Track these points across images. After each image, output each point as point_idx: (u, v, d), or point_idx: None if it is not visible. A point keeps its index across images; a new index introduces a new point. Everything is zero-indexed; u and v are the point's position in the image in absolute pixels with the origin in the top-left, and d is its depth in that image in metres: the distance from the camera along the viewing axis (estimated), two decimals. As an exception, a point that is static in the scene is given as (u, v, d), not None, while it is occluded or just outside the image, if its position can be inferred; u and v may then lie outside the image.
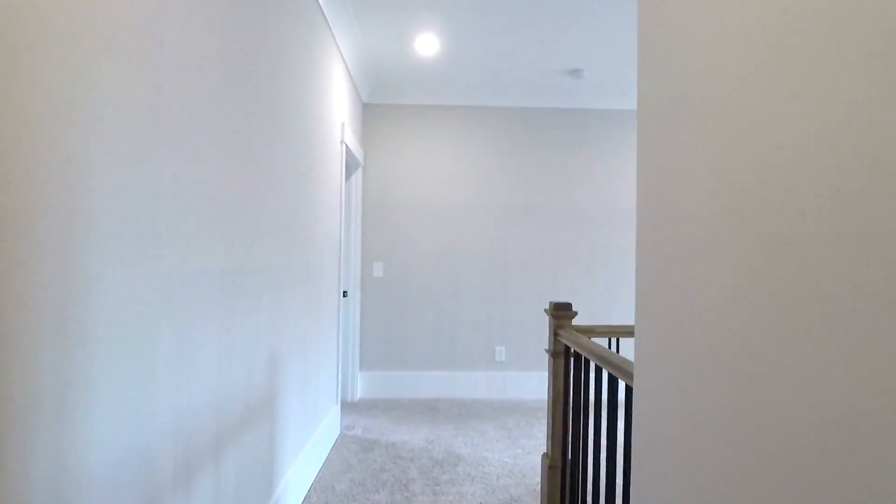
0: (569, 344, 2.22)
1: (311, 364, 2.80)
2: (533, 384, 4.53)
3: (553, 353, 2.39)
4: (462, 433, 3.64)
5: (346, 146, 3.67)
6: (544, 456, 2.48)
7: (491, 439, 3.53)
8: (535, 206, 4.57)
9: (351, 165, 4.32)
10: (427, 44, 3.55)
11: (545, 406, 4.29)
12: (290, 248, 2.40)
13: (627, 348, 4.52)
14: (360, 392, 4.47)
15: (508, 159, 4.57)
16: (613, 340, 4.46)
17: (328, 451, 3.21)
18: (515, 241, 4.56)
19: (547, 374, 4.78)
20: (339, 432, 3.57)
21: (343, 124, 3.51)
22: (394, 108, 4.54)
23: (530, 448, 3.38)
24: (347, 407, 4.19)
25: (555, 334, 2.38)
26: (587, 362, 2.10)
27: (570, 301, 4.57)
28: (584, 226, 4.60)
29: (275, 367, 2.18)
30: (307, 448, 2.71)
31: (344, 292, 4.31)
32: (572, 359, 2.25)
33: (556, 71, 4.02)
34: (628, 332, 2.47)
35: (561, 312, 2.37)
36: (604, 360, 1.75)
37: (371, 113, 4.54)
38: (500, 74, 4.11)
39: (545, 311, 2.48)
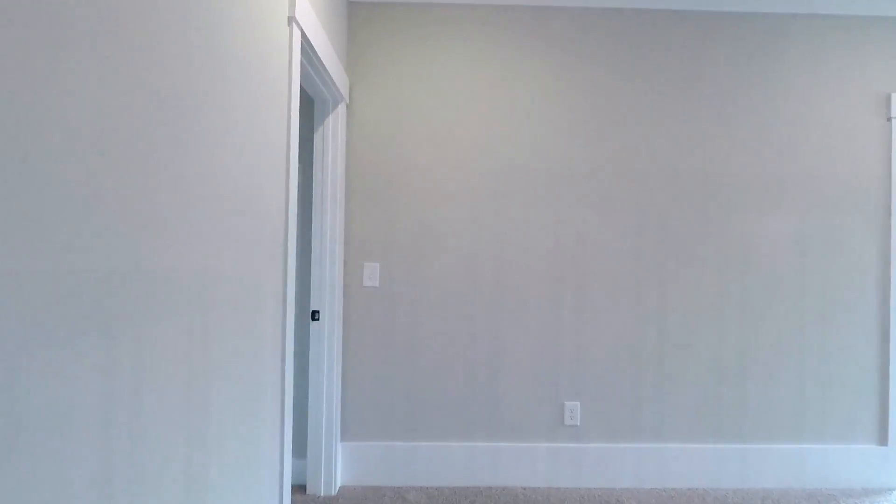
0: None
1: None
2: (629, 465, 2.75)
3: None
4: None
5: (307, 40, 1.91)
6: None
7: None
8: (633, 175, 2.79)
9: (324, 97, 2.56)
10: None
11: (654, 508, 2.50)
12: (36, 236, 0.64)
13: None
14: (340, 477, 2.71)
15: (592, 97, 2.80)
16: None
17: None
18: (600, 229, 2.78)
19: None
20: None
21: (294, -14, 1.75)
22: (401, 8, 2.78)
23: None
24: (317, 510, 2.44)
25: None
26: None
27: (683, 342, 2.78)
28: (714, 202, 2.81)
29: None
30: None
31: (313, 314, 2.55)
32: None
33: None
34: None
35: None
36: None
37: (363, 17, 2.78)
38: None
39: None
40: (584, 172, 2.77)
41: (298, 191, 2.71)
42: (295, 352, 2.67)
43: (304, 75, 2.23)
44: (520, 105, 2.77)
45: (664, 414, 2.77)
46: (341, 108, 2.63)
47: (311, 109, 2.71)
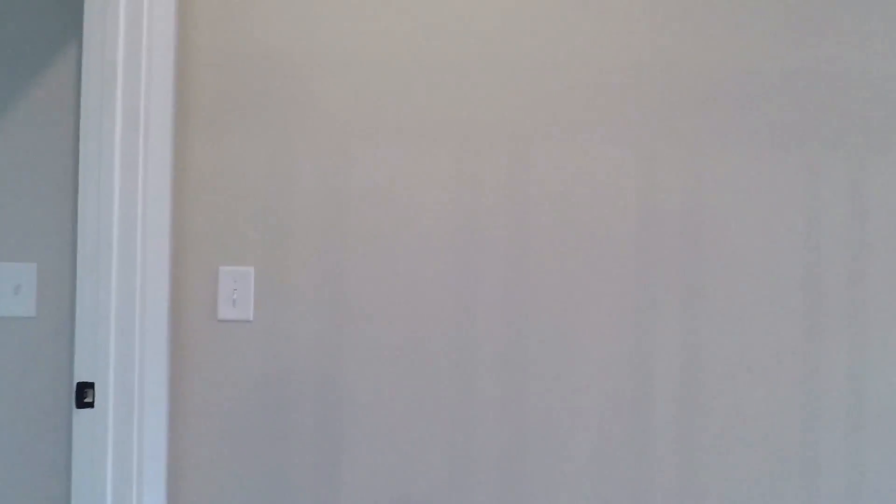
0: None
1: None
2: None
3: None
4: None
5: None
6: None
7: None
8: (790, 82, 1.27)
9: None
10: None
11: None
12: None
13: None
14: None
15: None
16: None
17: None
18: (731, 195, 1.26)
19: None
20: None
21: None
22: None
23: None
24: None
25: None
26: None
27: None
28: None
29: None
30: None
31: (80, 391, 1.05)
32: None
33: None
34: None
35: None
36: None
37: None
38: None
39: None
40: (691, 79, 1.25)
41: (71, 108, 1.20)
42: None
43: None
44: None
45: None
46: None
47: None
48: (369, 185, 1.22)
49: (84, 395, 1.07)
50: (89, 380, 1.07)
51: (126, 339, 1.09)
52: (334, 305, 1.21)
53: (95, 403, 1.07)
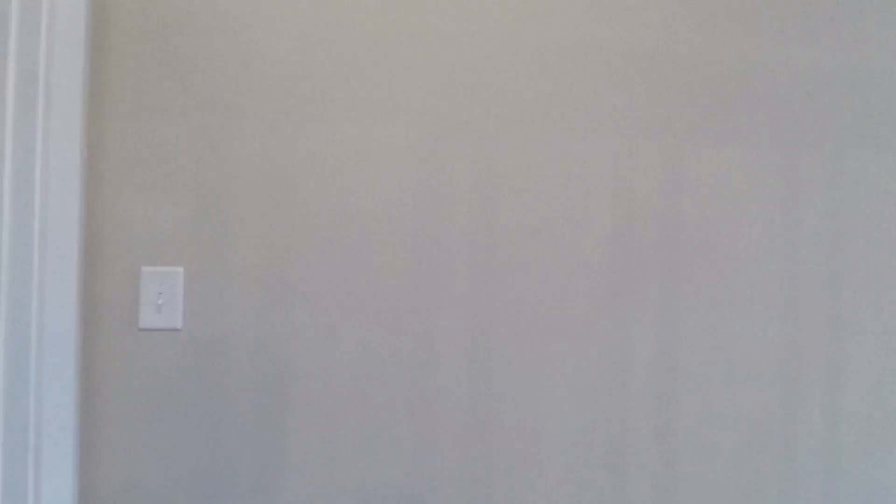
0: None
1: None
2: None
3: None
4: None
5: None
6: None
7: None
8: (790, 74, 1.21)
9: None
10: None
11: None
12: None
13: None
14: None
15: None
16: None
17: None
18: (721, 187, 1.18)
19: None
20: None
21: None
22: None
23: None
24: None
25: None
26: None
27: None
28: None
29: None
30: None
31: None
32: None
33: None
34: None
35: None
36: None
37: None
38: None
39: None
40: (674, 73, 1.16)
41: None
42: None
43: None
44: None
45: None
46: None
47: None
48: (319, 169, 1.06)
49: (-38, 428, 0.85)
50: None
51: (17, 359, 0.88)
52: (278, 310, 1.04)
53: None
